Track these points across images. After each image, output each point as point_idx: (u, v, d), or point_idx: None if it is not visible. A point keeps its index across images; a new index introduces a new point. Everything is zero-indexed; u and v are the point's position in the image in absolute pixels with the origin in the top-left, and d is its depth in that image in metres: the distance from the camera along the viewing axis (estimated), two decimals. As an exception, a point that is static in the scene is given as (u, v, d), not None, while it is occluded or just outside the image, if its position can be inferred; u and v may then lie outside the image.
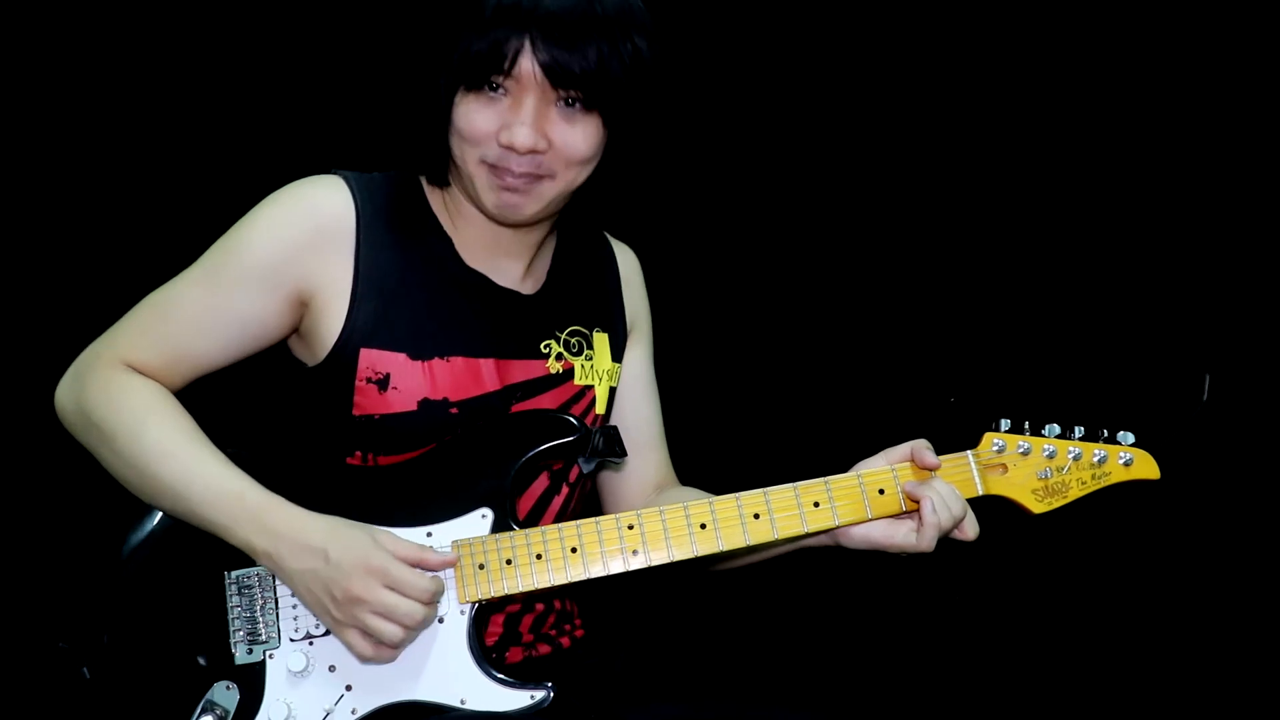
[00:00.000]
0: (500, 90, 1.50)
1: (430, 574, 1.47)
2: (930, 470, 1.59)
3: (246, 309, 1.56)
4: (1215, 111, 2.72)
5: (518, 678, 1.51)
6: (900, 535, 1.58)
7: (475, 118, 1.51)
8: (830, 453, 1.68)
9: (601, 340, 1.78)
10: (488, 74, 1.48)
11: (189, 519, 1.49)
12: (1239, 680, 2.66)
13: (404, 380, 1.58)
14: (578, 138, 1.53)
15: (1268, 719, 2.61)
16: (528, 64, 1.46)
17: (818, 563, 1.69)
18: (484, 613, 1.55)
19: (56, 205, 2.50)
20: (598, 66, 1.48)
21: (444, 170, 1.62)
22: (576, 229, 1.81)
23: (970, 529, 1.58)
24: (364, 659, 1.46)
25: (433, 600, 1.45)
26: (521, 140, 1.49)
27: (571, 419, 1.61)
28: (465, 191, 1.62)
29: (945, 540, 1.59)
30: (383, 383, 1.57)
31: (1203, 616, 2.73)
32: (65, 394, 1.58)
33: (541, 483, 1.69)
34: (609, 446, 1.65)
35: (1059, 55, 2.79)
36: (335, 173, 1.62)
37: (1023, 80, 2.82)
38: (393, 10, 1.60)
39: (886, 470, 1.60)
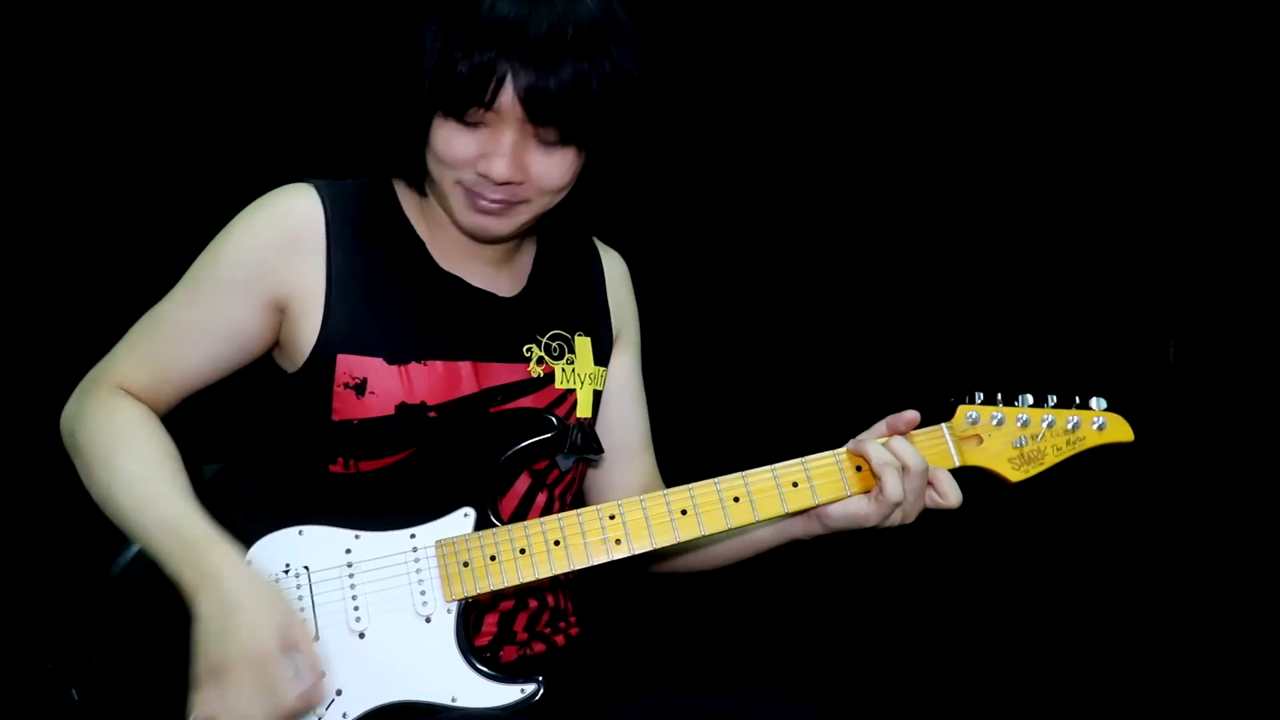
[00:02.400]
0: (479, 122, 1.50)
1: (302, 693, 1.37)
2: (909, 426, 1.60)
3: (227, 319, 1.59)
4: (1173, 96, 2.77)
5: (510, 674, 1.51)
6: (875, 500, 1.58)
7: (454, 143, 1.51)
8: (812, 440, 1.69)
9: (584, 344, 1.79)
10: (467, 105, 1.48)
11: (144, 547, 1.48)
12: (1219, 641, 2.68)
13: (381, 385, 1.59)
14: (554, 168, 1.54)
15: (1243, 674, 2.62)
16: (508, 98, 1.46)
17: (809, 555, 1.70)
18: (476, 612, 1.56)
19: (57, 219, 2.52)
20: (575, 100, 1.47)
21: (422, 179, 1.64)
22: (559, 233, 1.82)
23: (952, 495, 1.58)
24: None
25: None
26: (499, 172, 1.50)
27: (550, 416, 1.62)
28: (440, 203, 1.64)
29: (926, 515, 1.60)
30: (360, 388, 1.59)
31: (1181, 576, 2.75)
32: (66, 418, 1.61)
33: (522, 484, 1.70)
34: (586, 443, 1.67)
35: (1029, 46, 2.84)
36: (306, 180, 1.65)
37: (990, 70, 2.87)
38: (374, 19, 1.61)
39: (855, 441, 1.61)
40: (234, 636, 1.36)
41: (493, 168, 1.50)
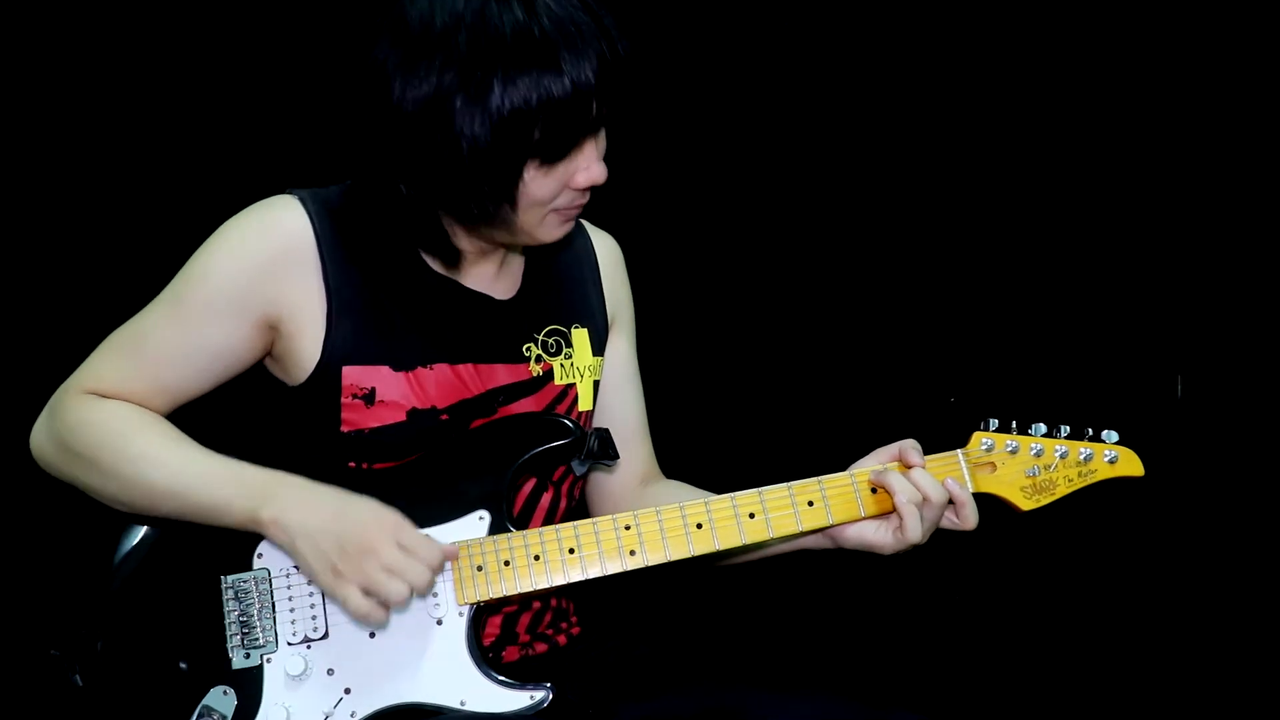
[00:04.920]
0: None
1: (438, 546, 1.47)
2: (911, 467, 1.61)
3: (216, 338, 1.56)
4: (1188, 122, 2.78)
5: (516, 677, 1.51)
6: (892, 534, 1.59)
7: (549, 181, 1.50)
8: (822, 453, 1.70)
9: (581, 336, 1.77)
10: (575, 141, 1.47)
11: (189, 515, 1.49)
12: (1222, 664, 2.73)
13: (390, 392, 1.58)
14: (603, 150, 1.56)
15: (1242, 695, 2.67)
16: (601, 113, 1.47)
17: (814, 556, 1.71)
18: (481, 613, 1.56)
19: (48, 219, 2.49)
20: (631, 86, 1.49)
21: (481, 220, 1.55)
22: None
23: (971, 519, 1.59)
24: (357, 616, 1.43)
25: (437, 569, 1.46)
26: (601, 177, 1.52)
27: (567, 421, 1.62)
28: (508, 235, 1.59)
29: (939, 534, 1.61)
30: (369, 397, 1.57)
31: (1187, 606, 2.79)
32: (40, 435, 1.58)
33: (529, 484, 1.70)
34: (603, 449, 1.66)
35: (1043, 62, 2.84)
36: (290, 192, 1.61)
37: (1011, 96, 2.87)
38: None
39: (879, 469, 1.62)
40: (357, 520, 1.44)
41: (595, 176, 1.51)
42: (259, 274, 1.54)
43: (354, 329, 1.57)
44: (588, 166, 1.50)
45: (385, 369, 1.58)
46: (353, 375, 1.56)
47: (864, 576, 2.75)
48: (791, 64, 2.90)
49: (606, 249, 1.87)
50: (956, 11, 2.84)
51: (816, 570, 2.37)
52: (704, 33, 2.75)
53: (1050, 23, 2.82)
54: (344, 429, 1.57)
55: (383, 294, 1.60)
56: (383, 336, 1.58)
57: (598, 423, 1.80)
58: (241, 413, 1.67)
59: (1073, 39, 2.82)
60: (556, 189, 1.51)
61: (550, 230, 1.58)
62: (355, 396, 1.57)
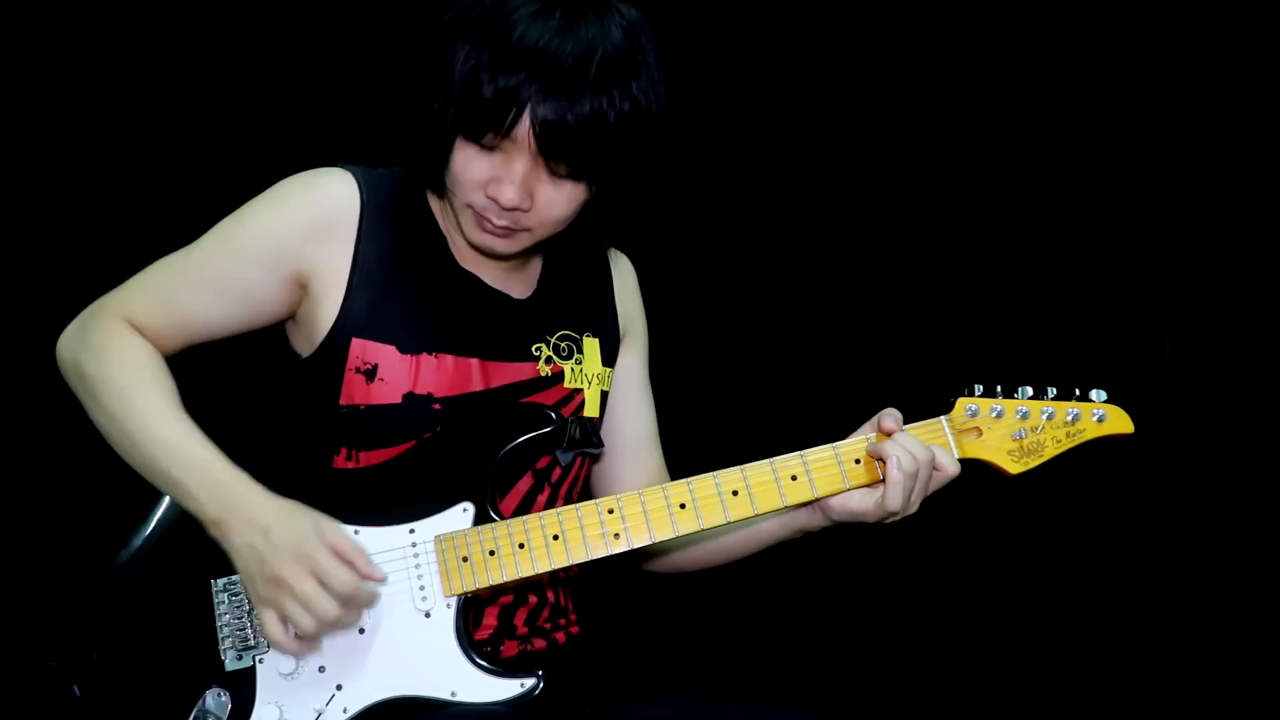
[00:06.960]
0: (494, 147, 1.51)
1: (358, 576, 1.45)
2: (896, 424, 1.60)
3: (249, 283, 1.61)
4: (1170, 93, 2.77)
5: (510, 670, 1.51)
6: (874, 502, 1.58)
7: (470, 166, 1.53)
8: (812, 431, 1.68)
9: (591, 345, 1.80)
10: (485, 130, 1.49)
11: (154, 478, 1.52)
12: (1214, 635, 2.70)
13: (391, 373, 1.61)
14: (560, 200, 1.55)
15: (1241, 669, 2.63)
16: (523, 128, 1.47)
17: (811, 555, 1.70)
18: (476, 606, 1.56)
19: (63, 201, 2.52)
20: (589, 138, 1.48)
21: (442, 190, 1.64)
22: (565, 246, 1.79)
23: (950, 465, 1.58)
24: (273, 643, 1.45)
25: (353, 601, 1.44)
26: (507, 198, 1.51)
27: (548, 411, 1.62)
28: (454, 216, 1.65)
29: (924, 510, 1.60)
30: (370, 373, 1.60)
31: (1178, 567, 2.76)
32: (66, 344, 1.61)
33: (525, 483, 1.71)
34: (585, 437, 1.67)
35: (1027, 39, 2.84)
36: (344, 166, 1.67)
37: (988, 63, 2.87)
38: (411, 33, 1.61)
39: (861, 440, 1.61)
40: (275, 547, 1.42)
41: (502, 193, 1.51)
42: (300, 232, 1.61)
43: (370, 302, 1.62)
44: (500, 178, 1.52)
45: (392, 349, 1.61)
46: (359, 348, 1.61)
47: (863, 577, 2.72)
48: (784, 63, 2.91)
49: (621, 267, 1.93)
50: (949, 9, 2.84)
51: (819, 572, 2.37)
52: (701, 41, 2.77)
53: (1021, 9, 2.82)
54: (342, 402, 1.60)
55: (406, 277, 1.65)
56: (396, 317, 1.63)
57: (608, 433, 1.82)
58: (247, 390, 1.70)
59: (1056, 24, 2.82)
60: (475, 179, 1.53)
61: (468, 227, 1.61)
62: (358, 370, 1.60)
